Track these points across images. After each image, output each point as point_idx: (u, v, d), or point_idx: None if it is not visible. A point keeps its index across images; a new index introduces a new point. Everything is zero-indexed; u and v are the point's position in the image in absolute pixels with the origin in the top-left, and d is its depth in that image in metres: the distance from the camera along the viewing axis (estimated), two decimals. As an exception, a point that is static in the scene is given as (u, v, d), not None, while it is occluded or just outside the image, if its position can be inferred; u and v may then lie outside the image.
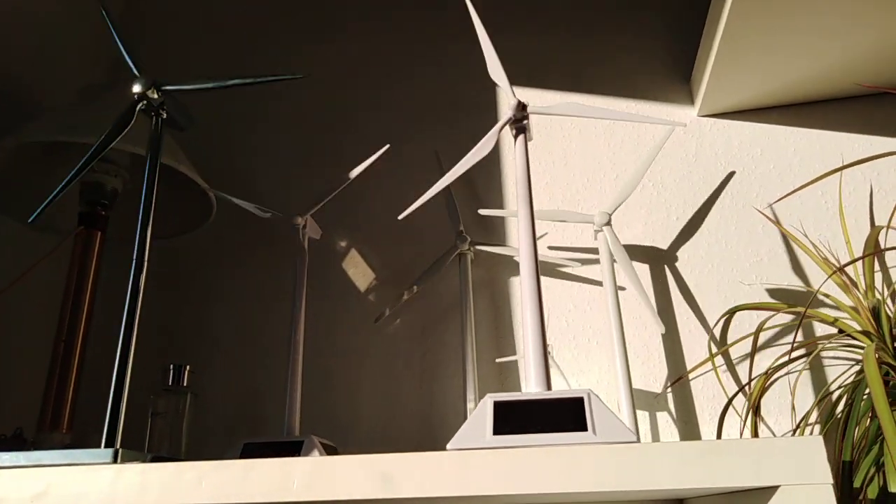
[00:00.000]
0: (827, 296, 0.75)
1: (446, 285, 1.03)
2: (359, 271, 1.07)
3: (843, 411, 0.73)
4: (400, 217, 0.71)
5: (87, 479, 0.55)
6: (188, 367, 0.92)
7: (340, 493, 0.51)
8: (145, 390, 0.92)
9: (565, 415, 0.52)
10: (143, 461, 0.66)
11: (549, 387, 0.58)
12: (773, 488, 0.47)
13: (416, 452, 0.51)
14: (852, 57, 0.87)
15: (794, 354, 0.78)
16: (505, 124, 0.67)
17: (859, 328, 0.70)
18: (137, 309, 0.70)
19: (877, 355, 0.67)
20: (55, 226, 1.03)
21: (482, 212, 0.98)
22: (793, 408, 0.80)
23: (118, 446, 0.64)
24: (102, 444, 0.64)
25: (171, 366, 0.91)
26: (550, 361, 0.85)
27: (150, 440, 0.88)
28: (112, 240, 0.98)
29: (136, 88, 0.76)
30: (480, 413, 0.54)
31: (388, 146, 0.91)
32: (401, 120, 1.16)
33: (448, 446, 0.52)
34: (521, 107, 0.66)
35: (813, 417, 0.80)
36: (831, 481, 0.46)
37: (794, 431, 0.71)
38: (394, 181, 1.12)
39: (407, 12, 1.24)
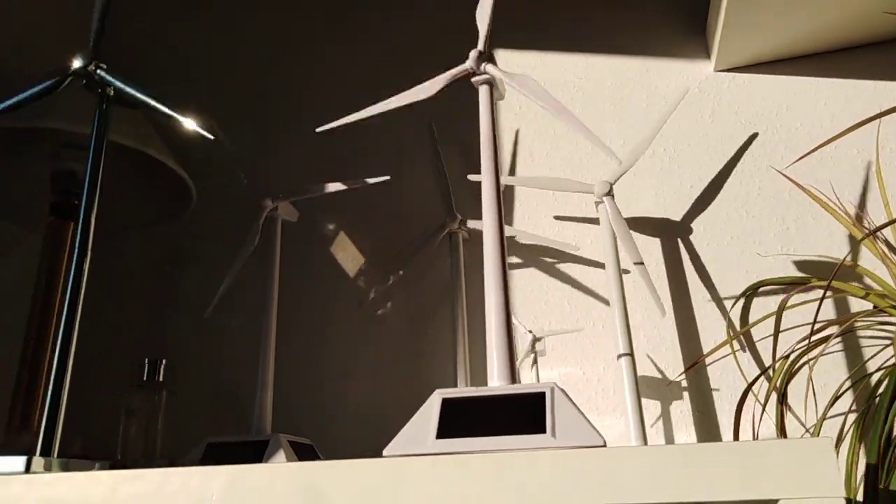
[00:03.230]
0: (856, 266, 0.64)
1: (439, 267, 0.95)
2: (347, 255, 1.00)
3: (881, 398, 0.62)
4: (318, 130, 0.63)
5: (-1, 491, 0.50)
6: (164, 362, 0.87)
7: (262, 506, 0.44)
8: (123, 387, 0.87)
9: (523, 414, 0.44)
10: (95, 468, 0.61)
11: (513, 380, 0.50)
12: (771, 503, 0.39)
13: (346, 460, 0.44)
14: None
15: (823, 334, 0.68)
16: (460, 73, 0.59)
17: (894, 303, 0.59)
18: (79, 300, 0.65)
19: (916, 334, 0.56)
20: (24, 216, 0.99)
21: (471, 177, 0.89)
22: (812, 395, 0.70)
23: (54, 454, 0.59)
24: (38, 451, 0.59)
25: (146, 360, 0.86)
26: (537, 349, 0.77)
27: (124, 440, 0.84)
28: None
29: (77, 64, 0.70)
30: (426, 412, 0.47)
31: (388, 177, 0.84)
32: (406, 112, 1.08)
33: (384, 452, 0.45)
34: (482, 58, 0.58)
35: (843, 406, 0.70)
36: (843, 494, 0.37)
37: (818, 425, 0.61)
38: (382, 160, 1.04)
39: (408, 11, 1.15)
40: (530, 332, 0.77)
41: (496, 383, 0.49)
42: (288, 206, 0.86)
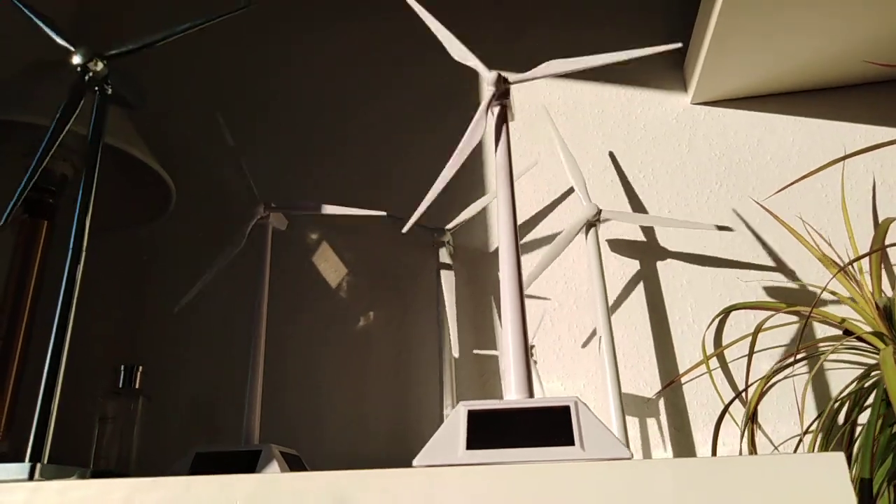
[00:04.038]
0: (834, 293, 0.69)
1: (423, 279, 0.96)
2: (329, 265, 1.00)
3: (850, 420, 0.67)
4: (404, 230, 0.64)
5: (-2, 499, 0.48)
6: (140, 368, 0.84)
7: (289, 516, 0.44)
8: (96, 394, 0.84)
9: (549, 426, 0.46)
10: (73, 477, 0.59)
11: (531, 393, 0.51)
12: (788, 513, 0.41)
13: (376, 469, 0.44)
14: (856, 40, 0.81)
15: (801, 355, 0.72)
16: (490, 102, 0.60)
17: (870, 329, 0.64)
18: (72, 304, 0.63)
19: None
20: (-5, 214, 0.95)
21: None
22: (800, 415, 0.74)
23: (44, 460, 0.56)
24: (27, 457, 0.56)
25: (122, 366, 0.84)
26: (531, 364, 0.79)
27: (98, 448, 0.81)
28: (61, 229, 0.90)
29: (77, 60, 0.69)
30: (452, 424, 0.47)
31: (384, 213, 0.86)
32: (390, 112, 1.09)
33: (415, 462, 0.46)
34: (502, 79, 0.60)
35: (813, 426, 0.74)
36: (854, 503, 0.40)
37: (800, 442, 0.65)
38: (370, 172, 1.05)
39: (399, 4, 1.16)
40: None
41: (514, 396, 0.51)
42: (279, 214, 0.86)
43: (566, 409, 0.46)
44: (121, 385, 0.83)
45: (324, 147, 1.08)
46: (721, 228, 0.86)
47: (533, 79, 0.61)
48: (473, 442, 0.46)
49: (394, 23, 1.13)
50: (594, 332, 0.90)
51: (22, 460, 0.80)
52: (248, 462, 0.68)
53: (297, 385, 0.94)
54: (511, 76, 0.61)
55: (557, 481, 0.42)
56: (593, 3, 1.08)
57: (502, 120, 0.61)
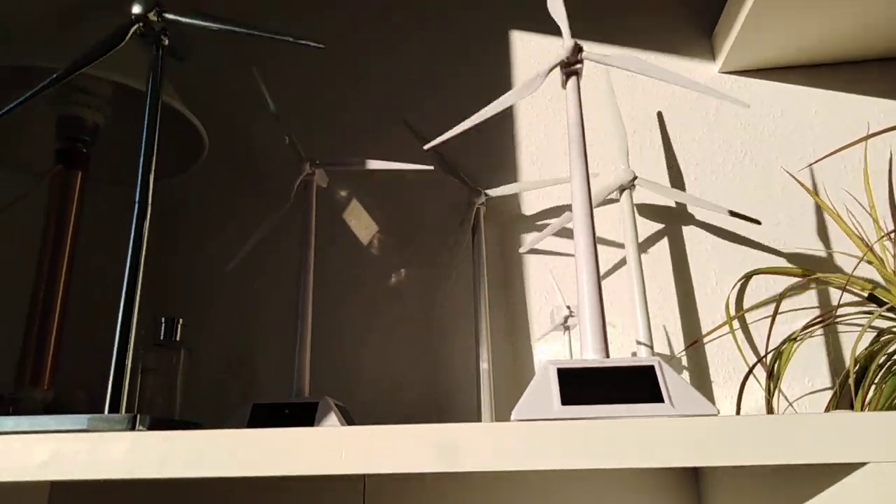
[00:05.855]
0: (871, 263, 0.73)
1: (455, 234, 0.98)
2: (360, 222, 1.01)
3: (868, 380, 0.72)
4: (426, 147, 0.65)
5: (98, 449, 0.49)
6: (181, 321, 0.85)
7: (395, 465, 0.47)
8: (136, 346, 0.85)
9: (637, 384, 0.49)
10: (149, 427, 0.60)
11: (607, 353, 0.54)
12: (860, 465, 0.45)
13: (479, 423, 0.47)
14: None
15: (818, 319, 0.77)
16: (556, 66, 0.62)
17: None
18: (141, 259, 0.63)
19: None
20: (30, 165, 0.93)
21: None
22: (833, 376, 0.79)
23: (122, 410, 0.58)
24: (106, 409, 0.57)
25: (164, 319, 0.85)
26: (570, 324, 0.82)
27: (141, 398, 0.82)
28: (91, 180, 0.88)
29: (136, 10, 0.67)
30: (543, 380, 0.50)
31: (431, 168, 0.86)
32: (409, 68, 1.08)
33: (513, 416, 0.49)
34: (577, 50, 0.61)
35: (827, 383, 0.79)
36: (922, 459, 0.44)
37: (830, 401, 0.70)
38: (398, 130, 1.05)
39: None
40: (568, 307, 0.82)
41: (591, 356, 0.54)
42: (321, 172, 0.86)
43: (651, 369, 0.49)
44: (162, 337, 0.84)
45: (336, 98, 1.07)
46: (748, 218, 0.89)
47: (606, 64, 0.62)
48: (567, 398, 0.48)
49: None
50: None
51: (64, 410, 0.81)
52: (305, 413, 0.71)
53: (327, 338, 0.96)
54: (586, 52, 0.62)
55: (650, 436, 0.46)
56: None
57: (575, 84, 0.62)
